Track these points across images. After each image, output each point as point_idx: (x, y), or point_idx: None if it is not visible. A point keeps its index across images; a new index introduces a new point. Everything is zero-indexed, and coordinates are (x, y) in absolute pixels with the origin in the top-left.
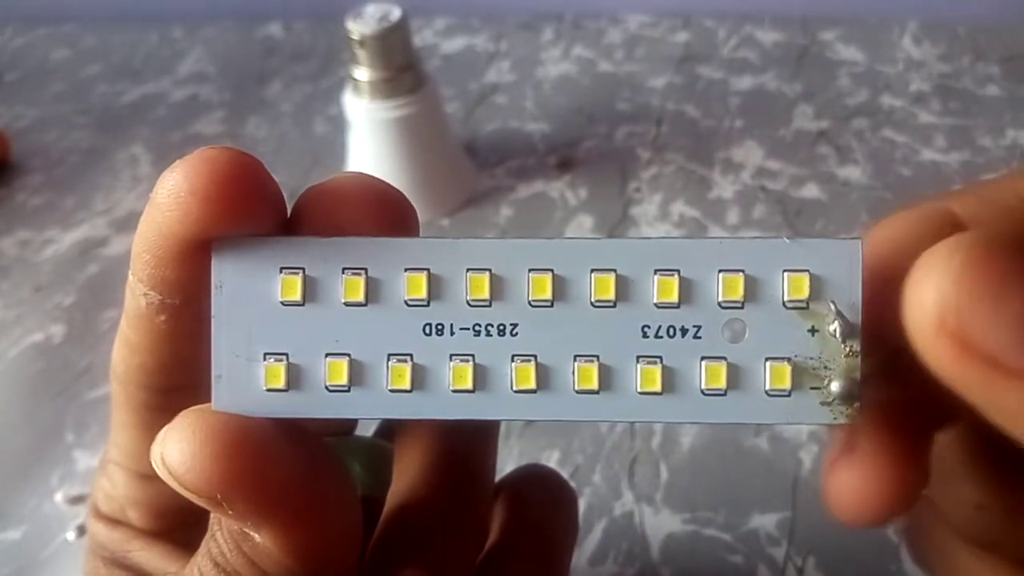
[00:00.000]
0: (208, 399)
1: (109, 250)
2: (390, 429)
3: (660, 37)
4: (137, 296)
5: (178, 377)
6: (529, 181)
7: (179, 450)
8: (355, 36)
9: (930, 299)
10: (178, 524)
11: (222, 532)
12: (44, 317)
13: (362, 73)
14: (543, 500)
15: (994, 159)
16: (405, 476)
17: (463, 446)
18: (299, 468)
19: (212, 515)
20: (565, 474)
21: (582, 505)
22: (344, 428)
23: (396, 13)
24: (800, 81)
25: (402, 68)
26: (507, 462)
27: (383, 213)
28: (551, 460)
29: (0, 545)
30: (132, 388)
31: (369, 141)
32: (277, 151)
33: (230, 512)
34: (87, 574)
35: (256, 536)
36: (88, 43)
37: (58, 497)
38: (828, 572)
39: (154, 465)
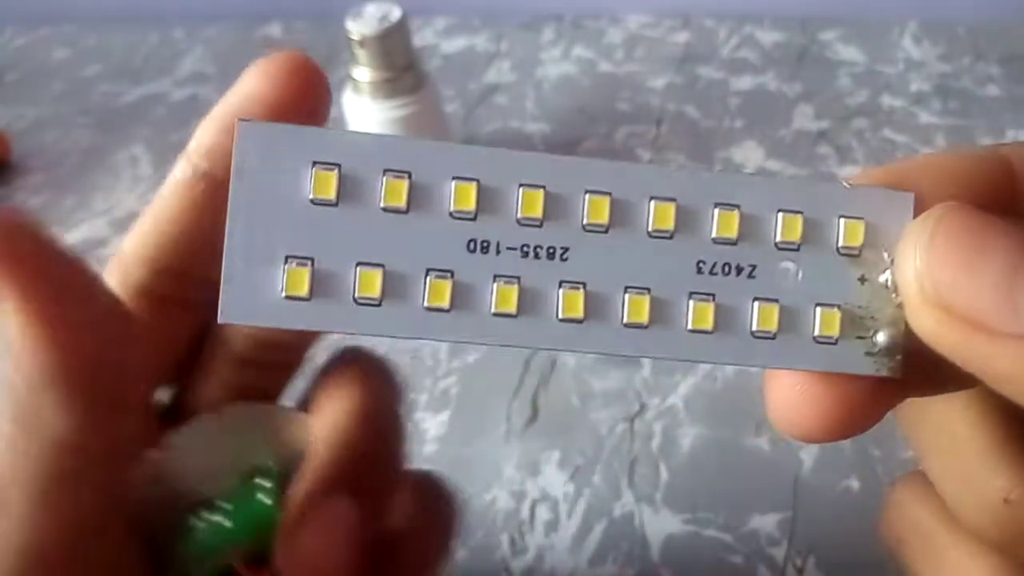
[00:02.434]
0: (205, 299)
1: (109, 250)
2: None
3: (660, 37)
4: (185, 167)
5: (183, 261)
6: None
7: None
8: (355, 36)
9: (910, 268)
10: None
11: None
12: None
13: (362, 73)
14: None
15: None
16: (329, 422)
17: (384, 400)
18: (61, 252)
19: None
20: (565, 475)
21: (582, 506)
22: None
23: (396, 13)
24: (800, 81)
25: (402, 68)
26: (507, 462)
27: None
28: (551, 461)
29: None
30: (133, 266)
31: None
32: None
33: None
34: None
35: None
36: (88, 43)
37: None
38: (828, 572)
39: None
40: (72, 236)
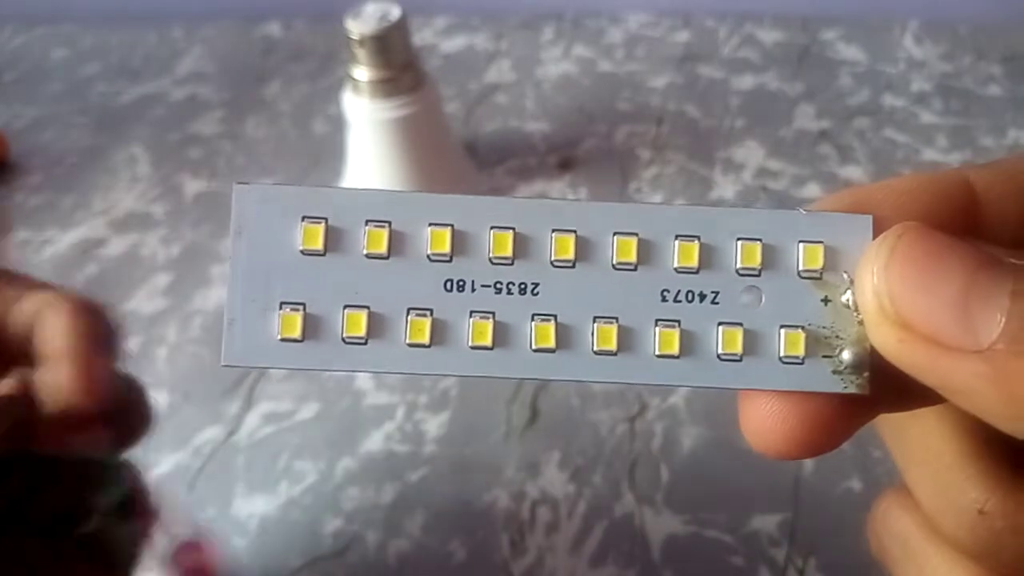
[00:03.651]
0: None
1: (108, 250)
2: None
3: (661, 37)
4: None
5: None
6: (530, 181)
7: None
8: (355, 35)
9: (869, 287)
10: None
11: None
12: None
13: (361, 73)
14: None
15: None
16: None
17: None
18: None
19: None
20: (565, 476)
21: (583, 506)
22: None
23: (396, 12)
24: (801, 81)
25: (402, 68)
26: (507, 463)
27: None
28: (551, 461)
29: None
30: None
31: (368, 141)
32: (276, 151)
33: None
34: None
35: None
36: (87, 43)
37: None
38: (829, 573)
39: None
40: (71, 236)
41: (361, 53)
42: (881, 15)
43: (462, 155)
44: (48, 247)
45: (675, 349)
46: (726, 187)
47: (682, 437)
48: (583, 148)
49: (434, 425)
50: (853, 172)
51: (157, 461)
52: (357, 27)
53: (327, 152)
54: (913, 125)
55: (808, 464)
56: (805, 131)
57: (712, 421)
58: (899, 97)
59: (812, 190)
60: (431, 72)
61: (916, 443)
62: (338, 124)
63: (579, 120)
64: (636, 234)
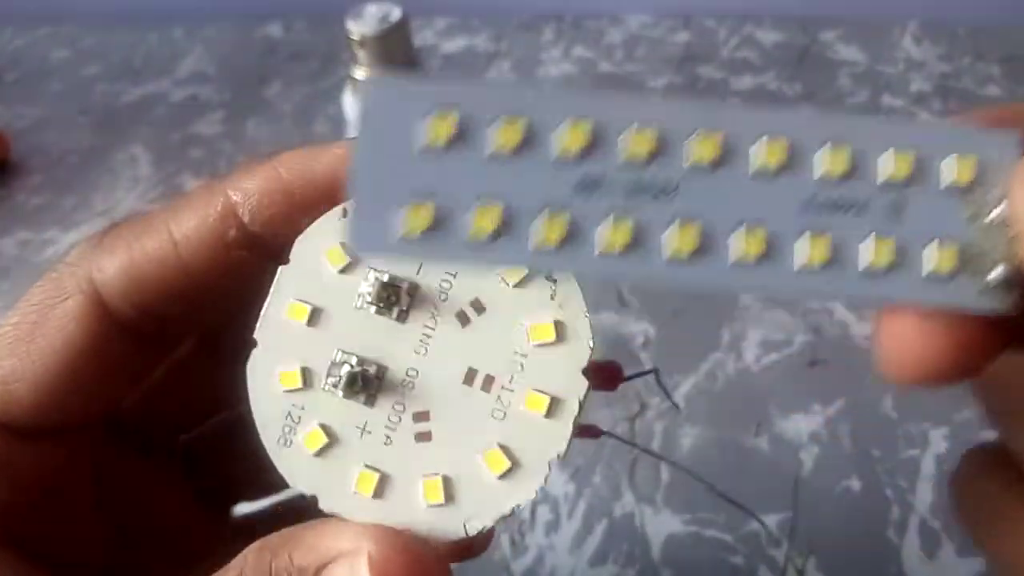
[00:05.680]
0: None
1: None
2: None
3: (660, 37)
4: (224, 225)
5: (178, 310)
6: None
7: None
8: (355, 36)
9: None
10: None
11: None
12: None
13: (362, 73)
14: None
15: None
16: None
17: None
18: None
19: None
20: (565, 475)
21: (583, 506)
22: None
23: (396, 13)
24: (800, 81)
25: (402, 68)
26: None
27: None
28: None
29: None
30: (117, 300)
31: None
32: (277, 151)
33: None
34: None
35: None
36: (88, 43)
37: None
38: (828, 573)
39: None
40: (71, 236)
41: (362, 54)
42: (880, 16)
43: None
44: (49, 247)
45: (820, 259)
46: None
47: (682, 437)
48: None
49: None
50: None
51: None
52: (358, 28)
53: None
54: None
55: (808, 464)
56: None
57: (712, 421)
58: (898, 97)
59: None
60: (432, 73)
61: (1021, 396)
62: (338, 124)
63: None
64: (785, 138)
